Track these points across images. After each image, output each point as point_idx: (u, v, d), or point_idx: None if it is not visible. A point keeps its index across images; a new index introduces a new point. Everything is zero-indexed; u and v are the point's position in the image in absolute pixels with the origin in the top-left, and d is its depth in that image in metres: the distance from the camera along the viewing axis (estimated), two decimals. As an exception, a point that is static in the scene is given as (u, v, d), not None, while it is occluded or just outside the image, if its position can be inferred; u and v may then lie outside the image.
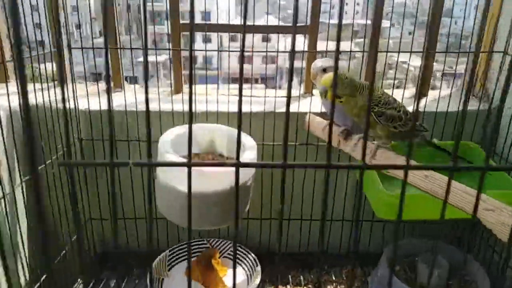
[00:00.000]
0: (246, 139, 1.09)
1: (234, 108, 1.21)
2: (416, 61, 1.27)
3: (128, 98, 1.22)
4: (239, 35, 1.30)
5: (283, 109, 1.21)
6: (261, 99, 1.25)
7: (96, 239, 1.35)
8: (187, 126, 1.06)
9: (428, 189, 0.78)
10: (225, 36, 1.34)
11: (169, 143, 1.01)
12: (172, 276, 1.24)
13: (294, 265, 1.38)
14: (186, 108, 1.17)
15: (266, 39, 1.30)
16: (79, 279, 1.26)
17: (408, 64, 1.16)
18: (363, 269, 1.36)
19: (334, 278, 1.34)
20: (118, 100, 1.22)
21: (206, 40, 1.18)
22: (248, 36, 1.22)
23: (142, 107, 1.20)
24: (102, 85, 1.29)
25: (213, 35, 1.36)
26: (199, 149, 1.17)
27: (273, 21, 1.43)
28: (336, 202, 1.34)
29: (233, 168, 0.32)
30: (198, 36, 2.03)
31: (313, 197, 1.31)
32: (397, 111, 0.88)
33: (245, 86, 1.51)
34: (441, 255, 1.21)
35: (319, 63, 0.97)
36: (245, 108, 1.21)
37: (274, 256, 1.39)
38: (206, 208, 0.97)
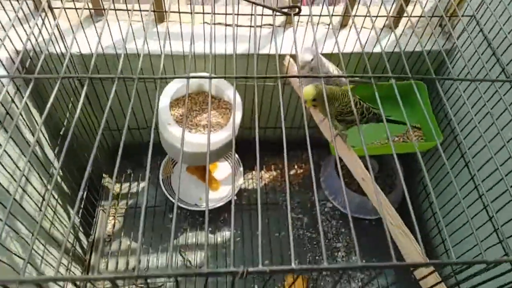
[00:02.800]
0: (230, 96, 1.29)
1: (219, 47, 1.32)
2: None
3: (114, 31, 1.25)
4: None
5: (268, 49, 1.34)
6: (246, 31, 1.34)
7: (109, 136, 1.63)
8: (180, 83, 1.23)
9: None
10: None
11: (168, 110, 1.21)
12: (176, 173, 1.65)
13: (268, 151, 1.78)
14: (176, 47, 1.28)
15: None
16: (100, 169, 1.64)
17: None
18: (319, 153, 1.79)
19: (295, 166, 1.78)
20: (104, 36, 1.26)
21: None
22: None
23: (132, 46, 1.28)
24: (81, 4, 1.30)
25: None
26: (191, 90, 1.36)
27: None
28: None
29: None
30: None
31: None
32: (358, 115, 1.10)
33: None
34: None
35: (307, 56, 1.08)
36: (229, 48, 1.32)
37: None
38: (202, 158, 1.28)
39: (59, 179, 1.35)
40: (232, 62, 1.34)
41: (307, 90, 1.01)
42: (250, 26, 1.35)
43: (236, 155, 1.66)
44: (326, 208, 1.65)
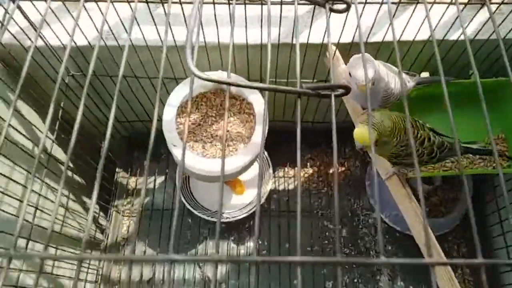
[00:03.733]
0: (254, 98, 1.00)
1: (238, 35, 1.00)
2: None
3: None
4: None
5: (301, 39, 1.00)
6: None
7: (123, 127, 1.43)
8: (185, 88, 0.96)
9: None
10: None
11: (173, 125, 0.95)
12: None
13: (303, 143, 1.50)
14: (179, 35, 0.99)
15: None
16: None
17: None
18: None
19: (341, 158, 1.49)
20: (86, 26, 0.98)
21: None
22: None
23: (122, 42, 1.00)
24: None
25: None
26: (206, 89, 1.08)
27: None
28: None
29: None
30: None
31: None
32: (425, 155, 0.79)
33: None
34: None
35: (370, 72, 0.75)
36: (239, 36, 1.00)
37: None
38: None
39: (70, 174, 1.20)
40: (255, 53, 1.02)
41: (361, 133, 0.70)
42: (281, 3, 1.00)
43: (265, 153, 1.40)
44: (370, 219, 1.40)
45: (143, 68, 1.06)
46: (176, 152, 0.95)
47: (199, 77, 0.35)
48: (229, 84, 0.37)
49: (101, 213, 1.42)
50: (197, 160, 0.97)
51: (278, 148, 1.45)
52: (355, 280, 1.32)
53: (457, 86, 1.06)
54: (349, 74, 0.77)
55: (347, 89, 0.40)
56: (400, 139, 0.75)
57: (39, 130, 1.07)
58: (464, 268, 1.33)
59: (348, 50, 0.97)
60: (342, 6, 0.44)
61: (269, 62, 0.43)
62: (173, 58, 1.02)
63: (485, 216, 1.30)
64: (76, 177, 1.30)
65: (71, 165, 1.25)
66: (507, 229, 1.16)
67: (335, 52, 0.95)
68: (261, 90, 0.40)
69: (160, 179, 1.46)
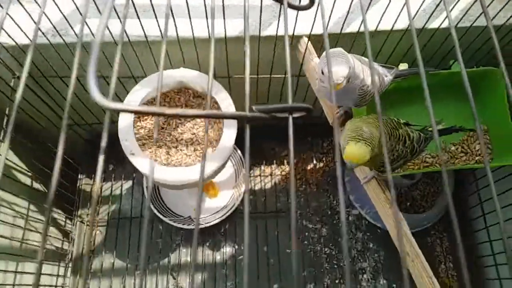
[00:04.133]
0: (222, 97, 0.91)
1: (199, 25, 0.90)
2: None
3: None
4: None
5: (269, 31, 0.91)
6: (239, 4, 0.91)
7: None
8: (150, 84, 0.86)
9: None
10: None
11: (131, 132, 0.85)
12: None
13: (279, 139, 1.43)
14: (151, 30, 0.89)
15: None
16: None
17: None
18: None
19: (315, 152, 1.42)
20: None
21: None
22: None
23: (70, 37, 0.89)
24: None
25: None
26: (168, 88, 0.98)
27: None
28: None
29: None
30: None
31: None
32: (408, 153, 0.73)
33: None
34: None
35: (342, 69, 0.67)
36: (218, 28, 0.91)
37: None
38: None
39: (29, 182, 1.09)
40: (220, 47, 0.93)
41: (353, 152, 0.63)
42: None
43: (239, 152, 1.31)
44: (350, 216, 1.34)
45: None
46: (136, 162, 0.86)
47: (111, 109, 0.26)
48: (154, 114, 0.28)
49: (68, 222, 1.31)
50: (159, 169, 0.88)
51: (252, 146, 1.37)
52: (337, 281, 1.27)
53: (437, 77, 0.99)
54: (322, 72, 0.69)
55: (308, 111, 0.32)
56: (387, 147, 0.68)
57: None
58: (448, 262, 1.30)
59: (321, 42, 0.89)
60: (306, 1, 0.35)
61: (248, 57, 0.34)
62: (128, 54, 0.92)
63: (468, 209, 1.26)
64: (37, 185, 1.19)
65: (29, 173, 1.14)
66: (490, 223, 1.13)
67: (307, 45, 0.87)
68: (200, 117, 0.31)
69: (127, 185, 1.36)
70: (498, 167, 1.05)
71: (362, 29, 0.88)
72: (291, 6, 0.33)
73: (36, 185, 1.17)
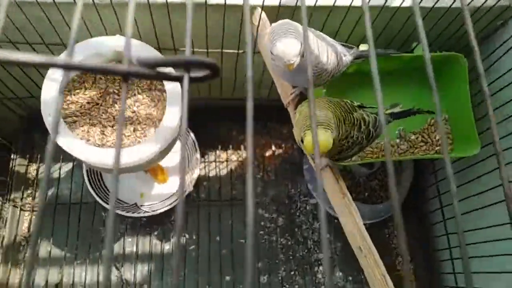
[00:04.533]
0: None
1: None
2: None
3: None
4: None
5: (219, -1, 0.82)
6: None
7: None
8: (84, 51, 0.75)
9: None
10: None
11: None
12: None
13: (237, 122, 1.34)
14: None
15: None
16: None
17: None
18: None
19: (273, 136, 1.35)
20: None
21: None
22: None
23: None
24: None
25: None
26: (104, 56, 0.87)
27: None
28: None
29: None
30: None
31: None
32: (364, 139, 0.66)
33: None
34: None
35: (293, 49, 0.58)
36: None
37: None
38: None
39: None
40: (163, 16, 0.82)
41: (326, 140, 0.56)
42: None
43: (192, 135, 1.22)
44: (308, 206, 1.28)
45: (19, 32, 0.83)
46: (62, 143, 0.75)
47: None
48: None
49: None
50: (92, 151, 0.78)
51: (206, 129, 1.28)
52: (292, 272, 1.21)
53: (400, 60, 0.94)
54: (271, 52, 0.60)
55: (212, 68, 0.23)
56: (342, 132, 0.61)
57: None
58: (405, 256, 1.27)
59: (276, 14, 0.80)
60: None
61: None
62: (53, 17, 0.80)
63: (427, 201, 1.23)
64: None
65: None
66: (448, 216, 1.10)
67: (260, 15, 0.78)
68: (67, 68, 0.22)
69: (67, 167, 1.24)
70: (458, 159, 1.01)
71: (320, 3, 0.80)
72: None
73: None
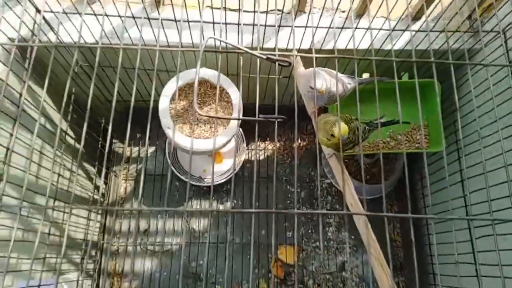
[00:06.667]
0: (232, 90, 1.27)
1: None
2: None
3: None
4: None
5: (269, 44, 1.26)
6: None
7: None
8: (180, 80, 1.22)
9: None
10: None
11: (167, 112, 1.22)
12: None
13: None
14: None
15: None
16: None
17: None
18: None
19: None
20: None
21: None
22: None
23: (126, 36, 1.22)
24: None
25: None
26: (191, 80, 1.33)
27: None
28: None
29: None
30: None
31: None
32: (357, 141, 1.09)
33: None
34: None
35: (322, 84, 1.03)
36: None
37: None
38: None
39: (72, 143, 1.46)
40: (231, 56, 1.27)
41: (344, 128, 1.00)
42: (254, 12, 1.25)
43: (240, 130, 1.68)
44: (324, 184, 1.73)
45: (140, 61, 1.30)
46: (170, 133, 1.22)
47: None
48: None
49: (103, 179, 1.69)
50: (185, 139, 1.25)
51: (252, 126, 1.74)
52: (309, 231, 1.67)
53: (392, 84, 1.35)
54: (309, 86, 1.05)
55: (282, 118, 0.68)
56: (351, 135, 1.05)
57: (57, 111, 1.31)
58: (395, 222, 1.70)
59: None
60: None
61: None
62: (165, 54, 1.26)
63: (414, 182, 1.65)
64: (78, 146, 1.55)
65: (73, 135, 1.50)
66: (426, 193, 1.52)
67: (295, 57, 1.22)
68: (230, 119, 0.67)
69: (151, 149, 1.73)
70: (433, 153, 1.43)
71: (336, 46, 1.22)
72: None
73: (78, 146, 1.54)
